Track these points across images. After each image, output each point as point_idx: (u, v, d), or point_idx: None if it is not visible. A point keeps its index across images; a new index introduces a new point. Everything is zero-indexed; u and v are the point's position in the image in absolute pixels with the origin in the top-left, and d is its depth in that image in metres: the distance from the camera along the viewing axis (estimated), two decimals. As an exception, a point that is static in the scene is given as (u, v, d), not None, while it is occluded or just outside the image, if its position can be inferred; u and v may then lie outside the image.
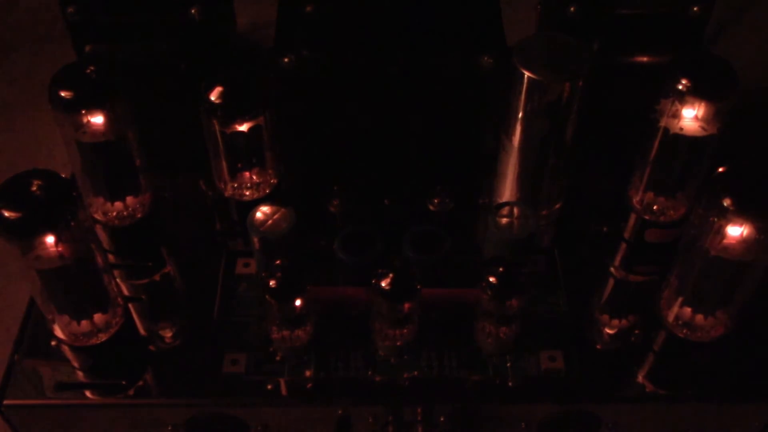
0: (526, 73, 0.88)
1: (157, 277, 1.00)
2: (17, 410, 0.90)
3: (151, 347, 0.93)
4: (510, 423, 0.92)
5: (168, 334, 0.93)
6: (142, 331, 0.95)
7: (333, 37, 1.03)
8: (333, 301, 0.94)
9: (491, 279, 0.86)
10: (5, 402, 0.89)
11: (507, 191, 1.00)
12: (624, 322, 0.95)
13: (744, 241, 0.81)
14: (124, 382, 0.91)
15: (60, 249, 0.81)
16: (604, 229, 1.04)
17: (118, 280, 0.96)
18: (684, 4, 1.02)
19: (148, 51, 1.03)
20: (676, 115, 0.89)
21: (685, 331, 0.89)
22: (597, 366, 0.92)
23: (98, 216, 0.96)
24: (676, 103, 0.88)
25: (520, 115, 0.92)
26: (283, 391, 0.90)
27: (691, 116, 0.89)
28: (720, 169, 0.82)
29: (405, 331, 0.89)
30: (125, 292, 0.98)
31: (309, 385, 0.90)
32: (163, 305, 0.98)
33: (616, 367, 0.92)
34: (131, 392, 0.90)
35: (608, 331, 0.94)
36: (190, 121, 0.96)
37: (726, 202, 0.79)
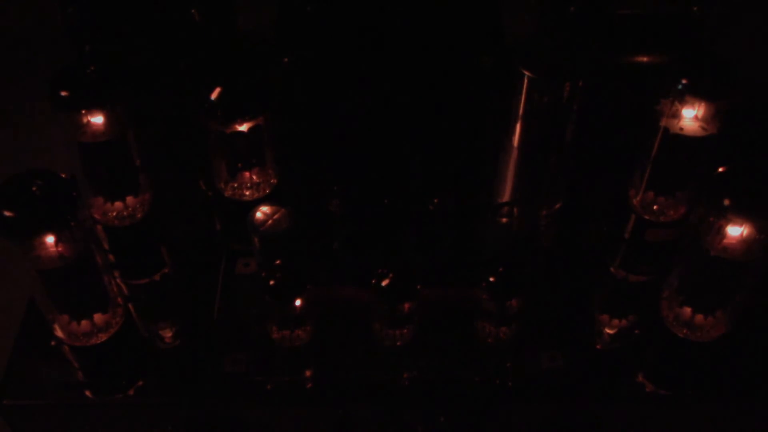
0: (526, 73, 0.88)
1: (157, 277, 1.00)
2: (17, 410, 0.90)
3: (151, 347, 0.93)
4: (510, 423, 0.92)
5: (168, 334, 0.93)
6: (142, 331, 0.95)
7: (333, 37, 1.03)
8: (333, 301, 0.94)
9: (491, 279, 0.86)
10: (5, 402, 0.89)
11: (507, 191, 1.00)
12: (624, 322, 0.95)
13: (744, 241, 0.81)
14: (124, 382, 0.91)
15: (60, 249, 0.81)
16: (604, 229, 1.04)
17: (118, 280, 0.96)
18: (684, 4, 1.02)
19: (148, 51, 1.03)
20: (676, 115, 0.89)
21: (685, 331, 0.89)
22: (597, 366, 0.92)
23: (98, 216, 0.96)
24: (676, 103, 0.88)
25: (520, 115, 0.92)
26: (283, 391, 0.90)
27: (691, 116, 0.89)
28: (720, 169, 0.82)
29: (405, 331, 0.89)
30: (125, 292, 0.98)
31: (309, 385, 0.90)
32: (163, 305, 0.98)
33: (616, 367, 0.92)
34: (131, 392, 0.90)
35: (608, 331, 0.94)
36: (189, 121, 0.96)
37: (726, 202, 0.79)
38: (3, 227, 0.78)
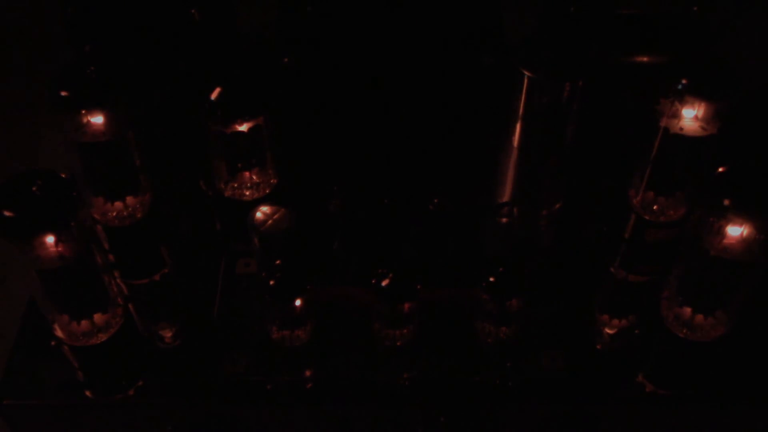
0: (526, 73, 0.88)
1: (157, 277, 1.00)
2: (17, 410, 0.90)
3: (151, 347, 0.93)
4: (510, 423, 0.92)
5: (168, 334, 0.93)
6: (142, 331, 0.95)
7: (333, 37, 1.03)
8: (333, 301, 0.94)
9: (491, 279, 0.86)
10: (5, 402, 0.89)
11: (507, 191, 1.00)
12: (624, 322, 0.95)
13: (744, 241, 0.81)
14: (124, 382, 0.91)
15: (60, 249, 0.81)
16: (604, 229, 1.04)
17: (118, 280, 0.96)
18: (684, 4, 1.02)
19: (148, 51, 1.03)
20: (676, 115, 0.89)
21: (685, 331, 0.89)
22: (597, 366, 0.92)
23: (98, 216, 0.96)
24: (676, 103, 0.88)
25: (520, 115, 0.92)
26: (283, 391, 0.90)
27: (691, 116, 0.89)
28: (720, 169, 0.82)
29: (405, 331, 0.89)
30: (125, 292, 0.98)
31: (309, 385, 0.90)
32: (163, 305, 0.98)
33: (616, 367, 0.92)
34: (131, 392, 0.90)
35: (608, 331, 0.94)
36: (189, 121, 0.96)
37: (726, 202, 0.79)
38: (3, 227, 0.78)
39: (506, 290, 0.86)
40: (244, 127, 0.93)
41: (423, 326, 0.90)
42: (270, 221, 0.89)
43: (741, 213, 0.79)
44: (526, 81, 0.88)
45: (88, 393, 0.90)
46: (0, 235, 0.79)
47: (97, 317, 0.88)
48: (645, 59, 1.05)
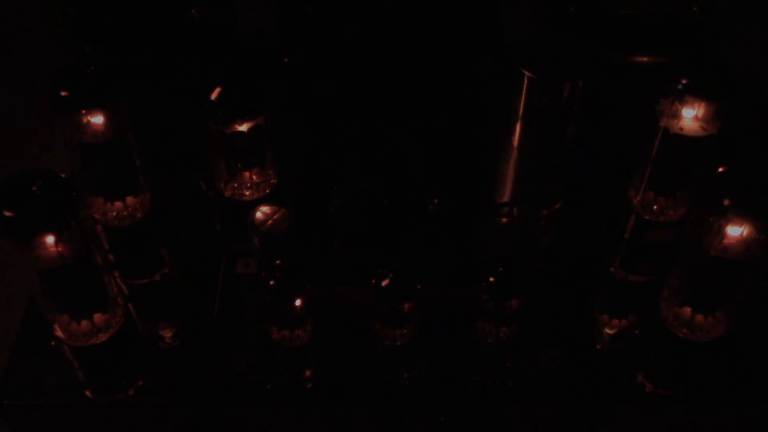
0: (526, 73, 0.88)
1: (157, 277, 1.00)
2: (17, 410, 0.90)
3: (151, 347, 0.93)
4: (510, 423, 0.92)
5: (168, 334, 0.93)
6: (142, 331, 0.95)
7: (333, 37, 1.03)
8: (333, 301, 0.94)
9: (491, 279, 0.86)
10: (5, 402, 0.89)
11: (507, 191, 1.00)
12: (624, 322, 0.95)
13: (744, 241, 0.81)
14: (124, 382, 0.91)
15: (60, 249, 0.81)
16: (604, 229, 1.04)
17: (118, 280, 0.96)
18: (684, 4, 1.02)
19: (148, 51, 1.03)
20: (676, 115, 0.89)
21: (685, 331, 0.89)
22: (597, 366, 0.92)
23: (98, 216, 0.96)
24: (676, 103, 0.88)
25: (520, 115, 0.92)
26: (283, 391, 0.90)
27: (691, 116, 0.89)
28: (720, 169, 0.82)
29: (405, 331, 0.89)
30: (125, 292, 0.98)
31: (309, 385, 0.90)
32: (163, 305, 0.98)
33: (616, 367, 0.92)
34: (131, 392, 0.90)
35: (608, 331, 0.94)
36: (189, 121, 0.96)
37: (726, 202, 0.79)
38: (3, 227, 0.78)
39: (506, 290, 0.86)
40: (244, 127, 0.93)
41: (423, 326, 0.90)
42: (270, 221, 0.89)
43: (741, 213, 0.79)
44: (526, 81, 0.88)
45: (88, 393, 0.90)
46: (0, 235, 0.79)
47: (97, 317, 0.88)
48: (645, 59, 1.05)
